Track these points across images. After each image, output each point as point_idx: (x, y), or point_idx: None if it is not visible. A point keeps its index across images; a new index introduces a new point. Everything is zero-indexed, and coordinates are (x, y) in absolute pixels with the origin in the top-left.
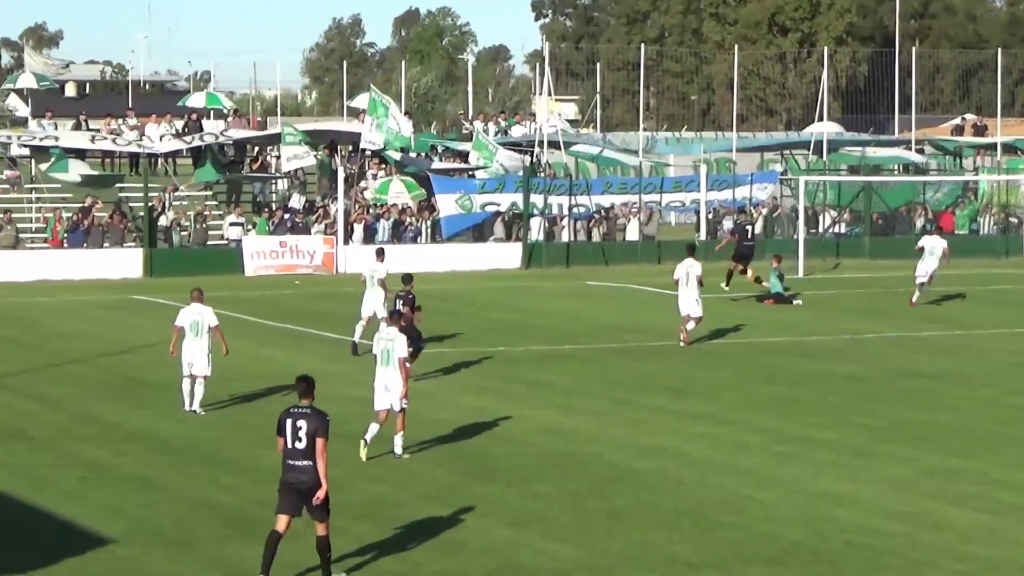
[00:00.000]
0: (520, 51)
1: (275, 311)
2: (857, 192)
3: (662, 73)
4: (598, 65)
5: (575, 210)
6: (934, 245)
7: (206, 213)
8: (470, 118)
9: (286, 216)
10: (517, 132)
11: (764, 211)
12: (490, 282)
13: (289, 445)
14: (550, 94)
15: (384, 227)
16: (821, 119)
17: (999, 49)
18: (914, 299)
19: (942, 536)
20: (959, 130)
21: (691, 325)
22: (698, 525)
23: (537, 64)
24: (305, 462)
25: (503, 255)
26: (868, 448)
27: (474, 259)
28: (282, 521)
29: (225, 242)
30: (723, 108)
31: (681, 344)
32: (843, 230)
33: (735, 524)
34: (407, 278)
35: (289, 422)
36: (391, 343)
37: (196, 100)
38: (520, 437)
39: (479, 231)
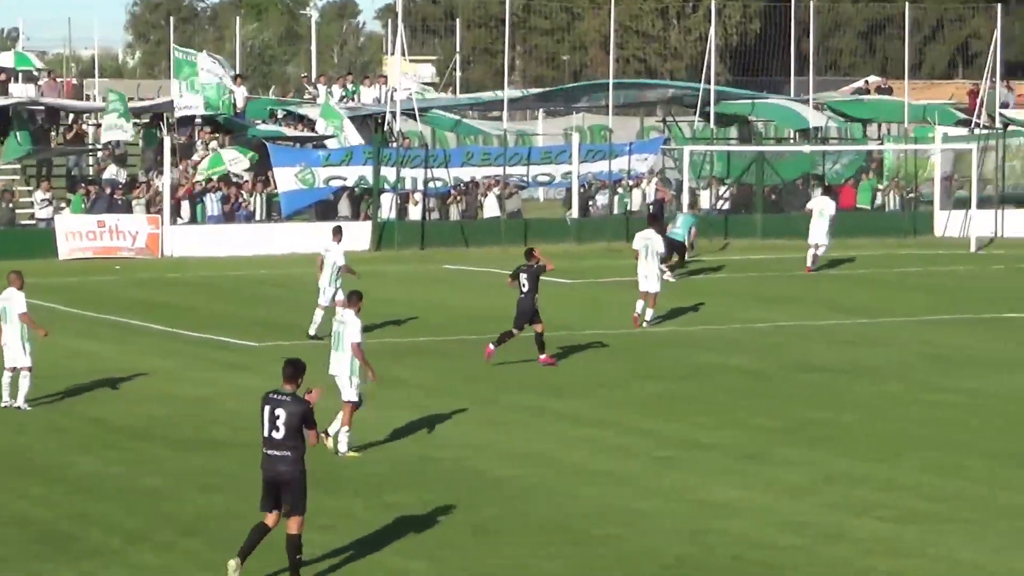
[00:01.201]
0: (370, 5)
1: (94, 300)
2: (748, 163)
3: (529, 30)
4: (457, 21)
5: (431, 184)
6: (823, 206)
7: (13, 189)
8: (314, 81)
9: (105, 192)
10: (366, 97)
11: (644, 184)
12: None
13: (266, 434)
14: (403, 54)
15: (212, 202)
16: (708, 82)
17: (907, 2)
18: (808, 263)
19: (841, 548)
20: (862, 93)
21: (639, 306)
22: (572, 539)
23: (389, 20)
24: (283, 452)
25: (350, 235)
26: (762, 451)
27: (317, 240)
28: (268, 518)
29: (34, 222)
30: (598, 69)
31: (645, 325)
32: (727, 206)
33: (614, 537)
34: (529, 253)
35: (267, 409)
36: (343, 326)
37: (3, 60)
38: (370, 441)
39: (323, 208)
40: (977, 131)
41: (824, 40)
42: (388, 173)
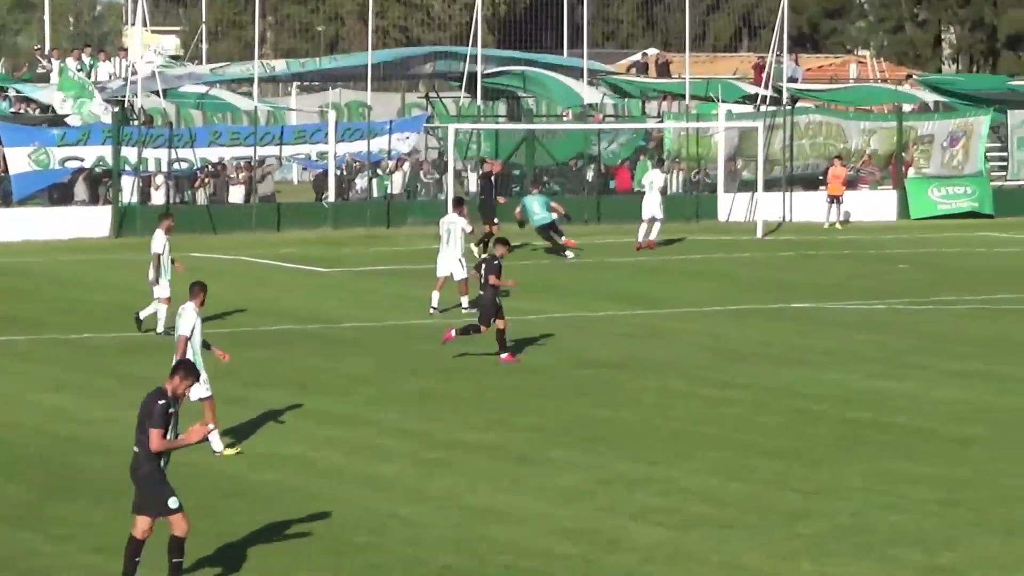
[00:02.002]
0: None
1: None
2: (518, 143)
3: (280, 0)
4: None
5: (176, 166)
6: (652, 179)
7: None
8: (47, 53)
9: None
10: (105, 72)
11: (406, 166)
12: (72, 254)
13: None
14: (145, 25)
15: None
16: (475, 58)
17: None
18: (639, 238)
19: (620, 556)
20: (642, 68)
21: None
22: (329, 548)
23: None
24: (135, 448)
25: (88, 221)
26: (535, 453)
27: (53, 226)
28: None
29: None
30: (355, 41)
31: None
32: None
33: (373, 546)
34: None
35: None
36: (178, 318)
37: None
38: (111, 444)
39: (59, 192)
40: (763, 108)
41: (601, 10)
42: (129, 153)
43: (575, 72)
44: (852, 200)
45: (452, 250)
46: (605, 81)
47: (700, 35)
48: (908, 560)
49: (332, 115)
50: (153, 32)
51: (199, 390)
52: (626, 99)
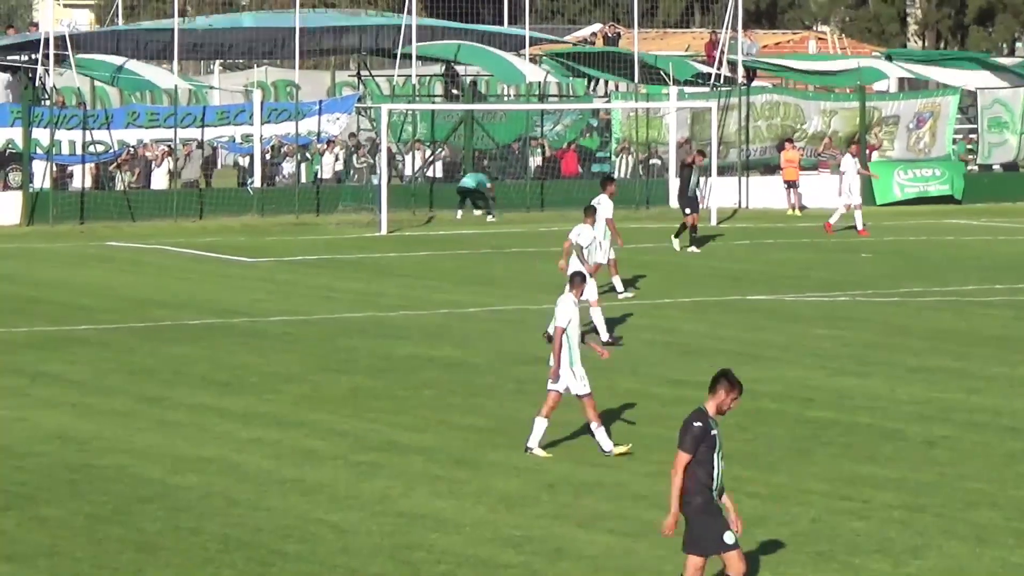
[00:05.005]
0: None
1: None
2: (456, 124)
3: None
4: None
5: (91, 149)
6: (847, 166)
7: None
8: None
9: None
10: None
11: (337, 149)
12: None
13: None
14: None
15: None
16: (408, 39)
17: None
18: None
19: (567, 566)
20: (588, 44)
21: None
22: (253, 558)
23: None
24: None
25: None
26: (474, 456)
27: None
28: None
29: None
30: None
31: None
32: (440, 173)
33: (301, 555)
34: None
35: None
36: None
37: None
38: (19, 447)
39: None
40: (717, 87)
41: None
42: (41, 136)
43: (515, 44)
44: (811, 185)
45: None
46: (548, 59)
47: (649, 10)
48: (872, 569)
49: (257, 94)
50: (65, 7)
51: (577, 386)
52: (571, 78)
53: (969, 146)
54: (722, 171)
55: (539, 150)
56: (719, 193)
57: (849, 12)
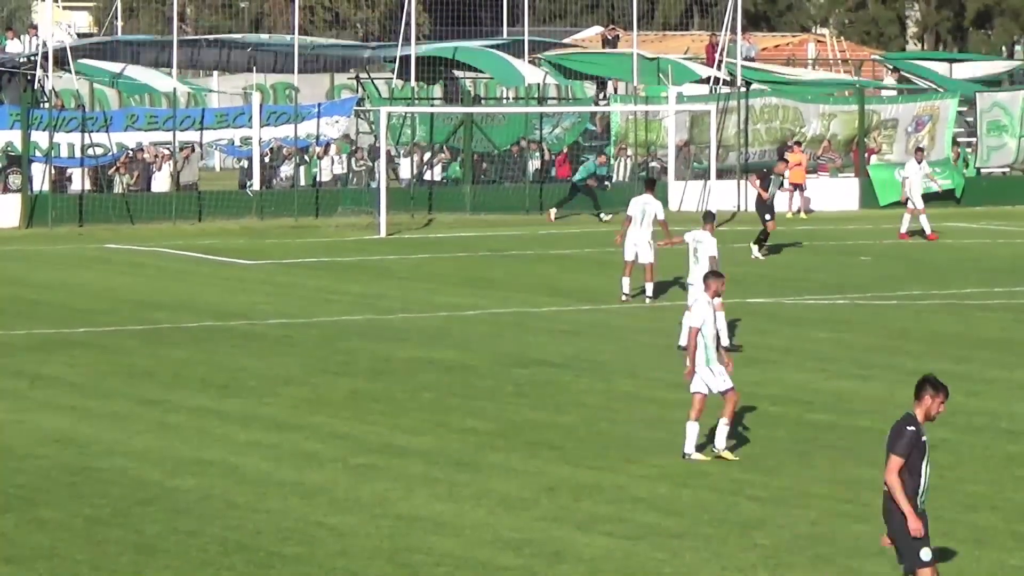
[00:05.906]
0: None
1: None
2: (455, 127)
3: None
4: None
5: (91, 152)
6: (910, 172)
7: None
8: None
9: None
10: (13, 49)
11: (332, 151)
12: None
13: None
14: (56, 0)
15: None
16: (407, 39)
17: None
18: (904, 229)
19: (565, 568)
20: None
21: (625, 283)
22: (253, 560)
23: None
24: None
25: None
26: (473, 458)
27: None
28: None
29: None
30: (279, 19)
31: (623, 299)
32: (438, 176)
33: (300, 558)
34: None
35: None
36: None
37: None
38: (19, 449)
39: None
40: (717, 90)
41: None
42: (40, 138)
43: (515, 49)
44: (811, 188)
45: (643, 232)
46: (547, 62)
47: (648, 12)
48: (871, 572)
49: (256, 97)
50: (64, 8)
51: (716, 383)
52: (570, 80)
53: (967, 150)
54: (721, 174)
55: (537, 153)
56: (718, 195)
57: (848, 15)
